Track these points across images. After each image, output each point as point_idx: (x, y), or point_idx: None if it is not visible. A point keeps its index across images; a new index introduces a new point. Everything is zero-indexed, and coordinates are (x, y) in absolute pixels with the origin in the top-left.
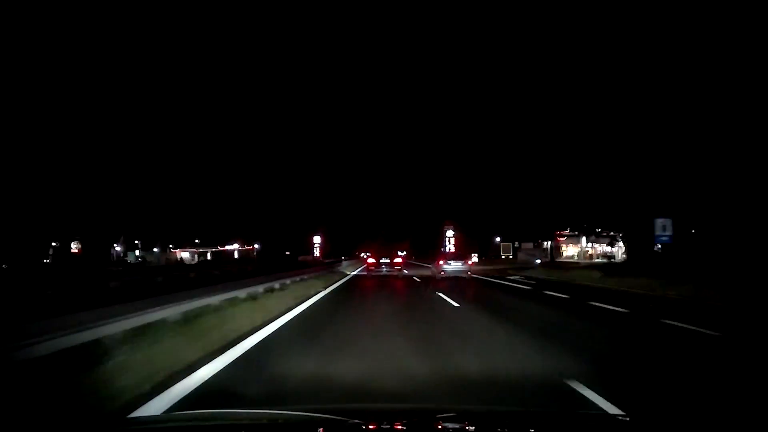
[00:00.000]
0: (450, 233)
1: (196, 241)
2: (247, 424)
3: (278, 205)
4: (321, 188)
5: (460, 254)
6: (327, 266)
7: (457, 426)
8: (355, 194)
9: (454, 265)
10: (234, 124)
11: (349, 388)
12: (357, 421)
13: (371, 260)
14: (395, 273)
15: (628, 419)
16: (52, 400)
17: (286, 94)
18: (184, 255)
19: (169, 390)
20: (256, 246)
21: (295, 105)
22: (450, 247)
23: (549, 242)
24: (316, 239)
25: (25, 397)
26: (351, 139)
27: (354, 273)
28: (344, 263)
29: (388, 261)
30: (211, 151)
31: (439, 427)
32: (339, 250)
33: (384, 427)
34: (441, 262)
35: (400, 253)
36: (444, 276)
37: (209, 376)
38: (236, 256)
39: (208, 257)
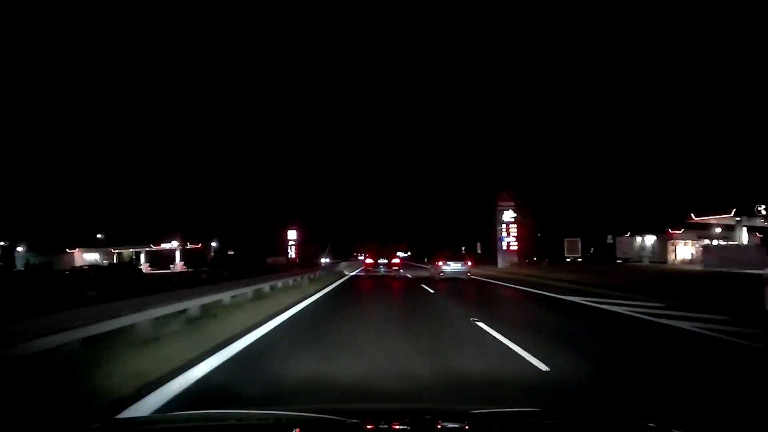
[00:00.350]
0: (508, 216)
1: (99, 235)
2: (241, 425)
3: (245, 194)
4: (310, 183)
5: (459, 255)
6: (306, 270)
7: (456, 426)
8: (352, 194)
9: (453, 266)
10: (179, 95)
11: None
12: (355, 421)
13: (369, 261)
14: (393, 273)
15: (625, 417)
16: None
17: (267, 75)
18: (89, 257)
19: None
20: (213, 244)
21: (275, 86)
22: (510, 240)
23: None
24: (291, 235)
25: None
26: (344, 133)
27: (348, 276)
28: (342, 264)
29: (386, 262)
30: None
31: (439, 427)
32: (336, 251)
33: (382, 427)
34: (440, 263)
35: (401, 254)
36: (443, 277)
37: None
38: (178, 257)
39: (142, 259)
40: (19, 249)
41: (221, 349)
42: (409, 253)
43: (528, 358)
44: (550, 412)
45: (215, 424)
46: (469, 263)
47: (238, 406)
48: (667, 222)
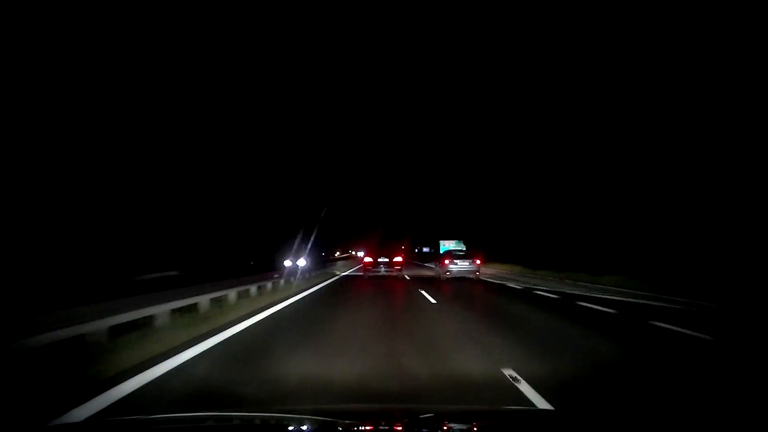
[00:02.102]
0: None
1: None
2: (231, 426)
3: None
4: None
5: (467, 252)
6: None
7: (454, 426)
8: (350, 185)
9: (461, 265)
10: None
11: None
12: (349, 422)
13: (368, 259)
14: (395, 273)
15: (622, 418)
16: None
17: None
18: None
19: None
20: None
21: (266, 75)
22: None
23: None
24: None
25: None
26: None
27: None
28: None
29: (386, 260)
30: None
31: (437, 427)
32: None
33: (382, 428)
34: (446, 262)
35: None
36: (449, 277)
37: None
38: None
39: None
40: None
41: None
42: (446, 252)
43: None
44: (548, 412)
45: (207, 425)
46: (479, 262)
47: (231, 407)
48: None
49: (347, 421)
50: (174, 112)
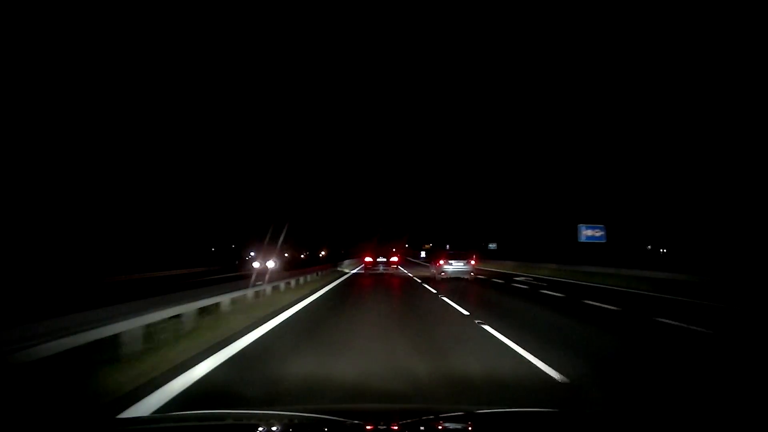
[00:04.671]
0: None
1: None
2: (242, 425)
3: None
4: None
5: (462, 253)
6: None
7: (456, 426)
8: (348, 190)
9: (456, 265)
10: None
11: None
12: (356, 421)
13: (368, 259)
14: (392, 271)
15: (625, 418)
16: None
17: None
18: None
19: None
20: None
21: (267, 78)
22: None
23: None
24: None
25: None
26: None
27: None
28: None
29: (385, 260)
30: None
31: (439, 427)
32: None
33: (381, 427)
34: (441, 262)
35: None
36: (444, 277)
37: None
38: None
39: None
40: None
41: None
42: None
43: None
44: (552, 413)
45: (216, 424)
46: (473, 262)
47: (239, 406)
48: None
49: (355, 421)
50: (173, 112)
